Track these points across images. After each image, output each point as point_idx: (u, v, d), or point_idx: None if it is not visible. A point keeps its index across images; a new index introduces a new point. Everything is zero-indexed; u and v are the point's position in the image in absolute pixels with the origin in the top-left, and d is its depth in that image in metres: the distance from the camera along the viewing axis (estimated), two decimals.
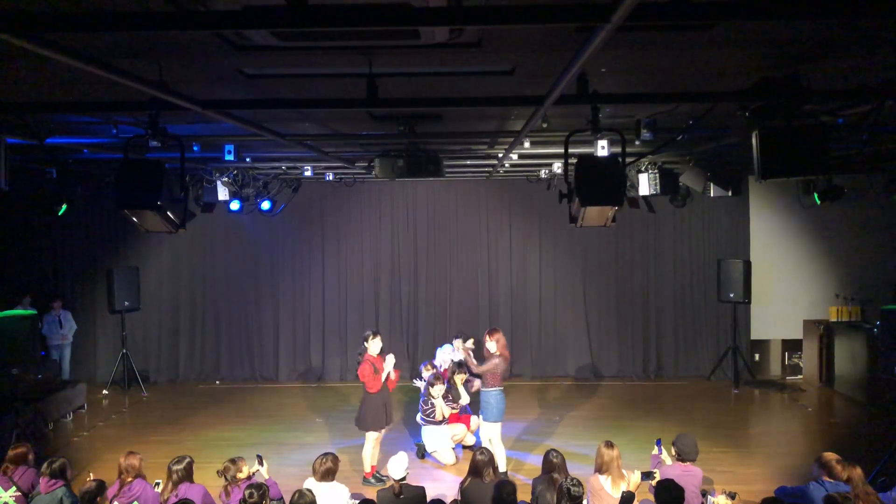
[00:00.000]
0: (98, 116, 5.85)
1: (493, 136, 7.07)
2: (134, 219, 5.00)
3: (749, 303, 11.05)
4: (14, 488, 5.60)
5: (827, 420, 9.80)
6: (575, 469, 6.02)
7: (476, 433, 8.11)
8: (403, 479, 5.66)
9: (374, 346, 7.35)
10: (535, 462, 7.52)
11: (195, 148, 7.02)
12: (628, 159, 7.43)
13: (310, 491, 5.11)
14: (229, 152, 7.10)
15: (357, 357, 7.69)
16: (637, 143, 6.27)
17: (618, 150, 5.27)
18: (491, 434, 7.22)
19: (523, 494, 5.99)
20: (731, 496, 5.32)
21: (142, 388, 11.34)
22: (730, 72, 4.65)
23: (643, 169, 8.69)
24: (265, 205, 10.52)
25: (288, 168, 9.54)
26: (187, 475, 5.51)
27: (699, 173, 8.67)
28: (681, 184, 9.02)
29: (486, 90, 5.17)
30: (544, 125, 5.75)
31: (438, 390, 7.96)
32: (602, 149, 5.69)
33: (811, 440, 8.90)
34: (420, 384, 8.41)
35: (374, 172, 7.54)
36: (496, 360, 7.16)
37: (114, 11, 3.08)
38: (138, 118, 5.39)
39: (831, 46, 4.06)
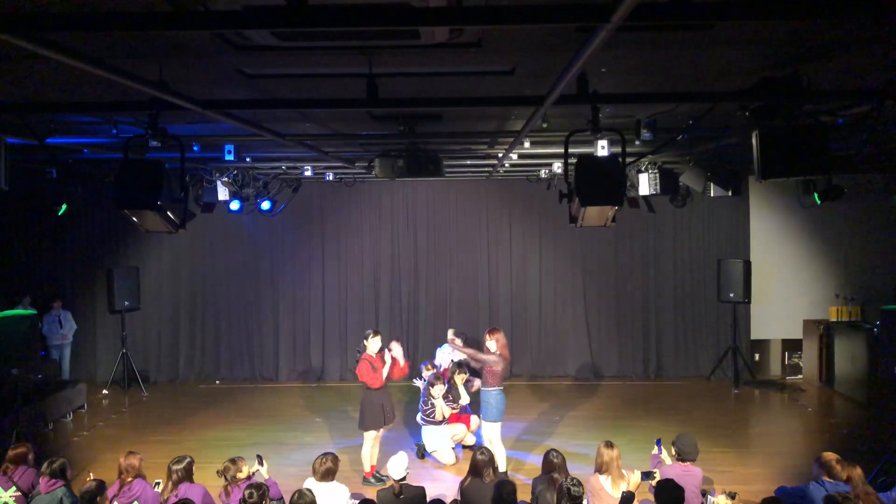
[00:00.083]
0: (98, 116, 5.85)
1: (493, 136, 7.07)
2: (134, 219, 5.00)
3: (749, 303, 11.05)
4: (14, 488, 5.60)
5: (827, 420, 9.80)
6: (575, 469, 6.02)
7: (477, 433, 8.11)
8: (403, 479, 5.66)
9: (373, 344, 7.36)
10: (535, 462, 7.52)
11: (195, 148, 7.02)
12: (628, 159, 7.42)
13: (310, 491, 5.11)
14: (229, 152, 7.10)
15: (356, 355, 7.69)
16: (637, 143, 6.27)
17: (618, 150, 5.27)
18: (491, 434, 7.22)
19: (523, 494, 5.99)
20: (731, 496, 5.32)
21: (142, 388, 11.34)
22: (730, 72, 4.64)
23: (643, 169, 8.69)
24: (265, 205, 10.52)
25: (288, 168, 9.54)
26: (187, 475, 5.52)
27: (699, 173, 8.67)
28: (681, 184, 9.02)
29: (486, 90, 5.17)
30: (544, 125, 5.75)
31: (439, 390, 7.96)
32: (602, 149, 5.68)
33: (811, 440, 8.89)
34: (420, 384, 8.41)
35: (374, 172, 7.54)
36: (494, 357, 7.15)
37: (114, 11, 3.08)
38: (138, 118, 5.39)
39: (831, 46, 4.05)
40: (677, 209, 11.04)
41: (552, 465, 5.58)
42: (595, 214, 5.11)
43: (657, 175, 8.62)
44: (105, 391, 11.26)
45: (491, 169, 9.94)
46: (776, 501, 4.97)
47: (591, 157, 5.40)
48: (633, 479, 5.45)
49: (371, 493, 5.84)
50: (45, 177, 8.20)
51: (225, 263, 12.10)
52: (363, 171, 9.53)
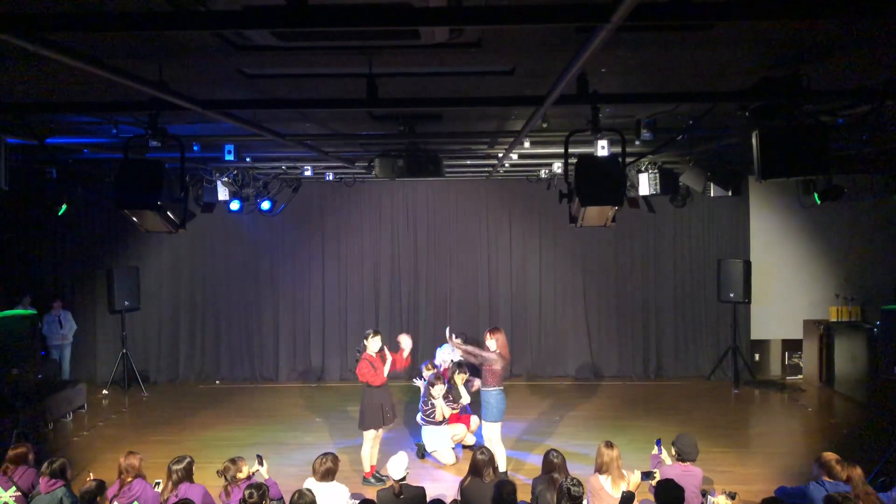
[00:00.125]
0: (98, 116, 5.85)
1: (493, 136, 7.07)
2: (134, 219, 5.00)
3: (749, 303, 11.05)
4: (14, 488, 5.60)
5: (827, 420, 9.80)
6: (575, 469, 6.02)
7: (477, 433, 8.11)
8: (403, 479, 5.66)
9: (373, 344, 7.36)
10: (535, 462, 7.52)
11: (195, 148, 7.02)
12: (628, 159, 7.42)
13: (310, 491, 5.11)
14: (229, 152, 7.10)
15: (355, 354, 7.69)
16: (637, 143, 6.27)
17: (618, 150, 5.27)
18: (491, 434, 7.22)
19: (523, 494, 5.99)
20: (731, 496, 5.32)
21: (142, 388, 11.34)
22: (730, 72, 4.64)
23: (643, 169, 8.69)
24: (265, 205, 10.52)
25: (288, 168, 9.54)
26: (187, 475, 5.52)
27: (699, 173, 8.67)
28: (681, 184, 9.02)
29: (486, 90, 5.17)
30: (544, 125, 5.75)
31: (439, 390, 7.96)
32: (602, 149, 5.68)
33: (811, 440, 8.89)
34: (420, 384, 8.41)
35: (374, 172, 7.54)
36: (494, 355, 7.14)
37: (114, 11, 3.08)
38: (138, 118, 5.39)
39: (831, 46, 4.06)
40: (677, 209, 11.05)
41: (552, 465, 5.58)
42: (595, 214, 5.11)
43: (657, 175, 8.62)
44: (105, 391, 11.26)
45: (491, 169, 9.94)
46: (776, 501, 4.97)
47: (591, 157, 5.39)
48: (633, 479, 5.45)
49: (371, 493, 5.84)
50: (45, 177, 8.19)
51: (225, 263, 12.10)
52: (363, 171, 9.53)
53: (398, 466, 5.68)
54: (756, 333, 11.83)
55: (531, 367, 12.03)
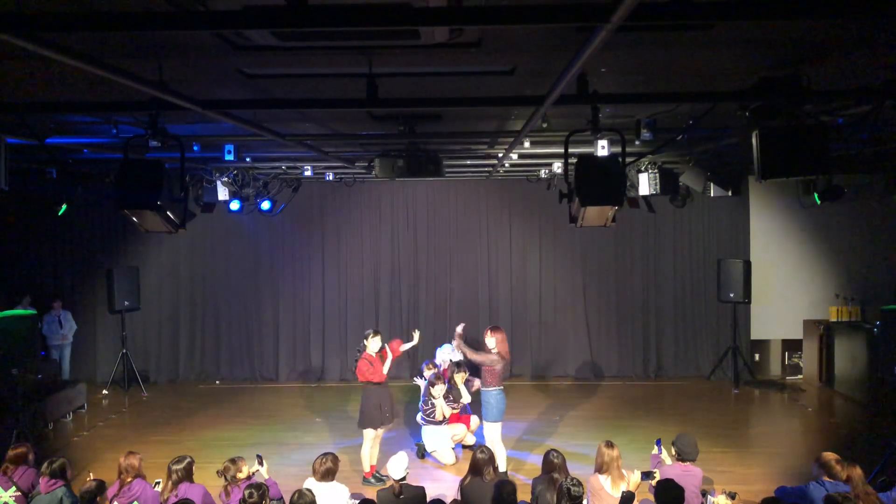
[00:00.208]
0: (98, 116, 5.85)
1: (493, 136, 7.07)
2: (134, 219, 5.00)
3: (749, 303, 11.05)
4: (14, 488, 5.60)
5: (827, 420, 9.80)
6: (575, 469, 6.02)
7: (477, 433, 8.11)
8: (403, 479, 5.66)
9: (373, 344, 7.37)
10: (535, 462, 7.52)
11: (195, 148, 7.01)
12: (628, 159, 7.42)
13: (310, 491, 5.11)
14: (229, 152, 7.10)
15: (355, 354, 7.69)
16: (637, 143, 6.27)
17: (618, 150, 5.27)
18: (491, 434, 7.21)
19: (523, 494, 5.99)
20: (731, 496, 5.32)
21: (142, 388, 11.34)
22: (730, 72, 4.64)
23: (643, 169, 8.69)
24: (265, 205, 10.52)
25: (288, 168, 9.54)
26: (187, 475, 5.52)
27: (699, 173, 8.67)
28: (681, 184, 9.02)
29: (486, 90, 5.17)
30: (544, 125, 5.75)
31: (439, 390, 7.96)
32: (602, 149, 5.68)
33: (811, 440, 8.90)
34: (420, 382, 8.41)
35: (374, 172, 7.54)
36: (493, 357, 7.14)
37: (114, 11, 3.08)
38: (138, 118, 5.39)
39: (831, 46, 4.06)
40: (677, 209, 11.05)
41: (552, 465, 5.58)
42: (595, 214, 5.11)
43: (657, 175, 8.61)
44: (105, 391, 11.26)
45: (491, 169, 9.94)
46: (776, 501, 4.97)
47: (591, 157, 5.39)
48: (633, 479, 5.45)
49: (371, 493, 5.83)
50: (45, 177, 8.19)
51: (225, 264, 12.10)
52: (363, 171, 9.53)
53: (398, 466, 5.68)
54: (756, 333, 11.83)
55: (531, 367, 12.03)
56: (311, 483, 5.59)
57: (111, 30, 3.13)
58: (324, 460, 5.65)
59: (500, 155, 8.11)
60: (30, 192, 8.76)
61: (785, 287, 11.62)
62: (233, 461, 5.63)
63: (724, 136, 6.66)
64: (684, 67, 4.61)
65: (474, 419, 8.22)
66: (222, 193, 9.42)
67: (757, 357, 11.96)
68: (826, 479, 5.28)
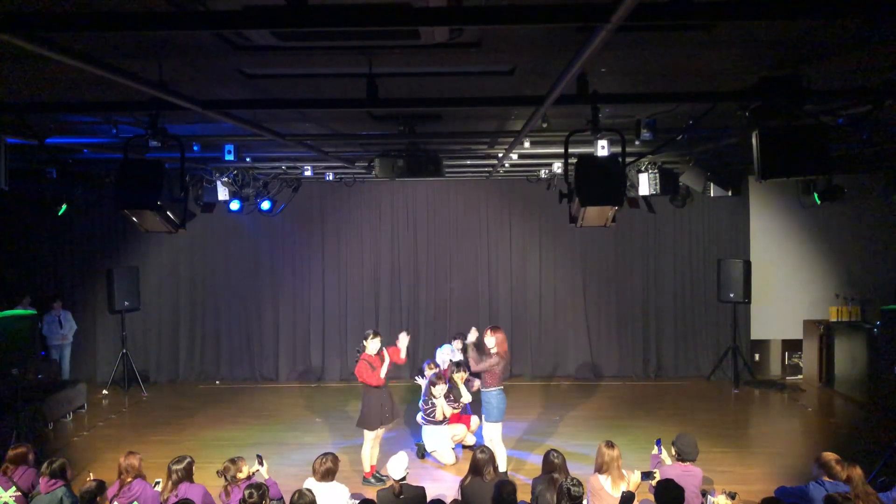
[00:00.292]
0: (98, 116, 5.85)
1: (493, 136, 7.07)
2: (134, 219, 5.00)
3: (749, 303, 11.05)
4: (14, 488, 5.60)
5: (827, 420, 9.80)
6: (575, 469, 6.02)
7: (477, 433, 8.11)
8: (403, 479, 5.66)
9: (372, 345, 7.36)
10: (535, 462, 7.52)
11: (195, 148, 7.01)
12: (628, 159, 7.42)
13: (310, 491, 5.11)
14: (229, 152, 7.10)
15: (355, 355, 7.69)
16: (637, 143, 6.27)
17: (618, 150, 5.27)
18: (492, 434, 7.21)
19: (523, 494, 5.99)
20: (731, 496, 5.32)
21: (142, 388, 11.34)
22: (730, 72, 4.64)
23: (643, 169, 8.69)
24: (265, 205, 10.52)
25: (288, 168, 9.54)
26: (187, 475, 5.52)
27: (699, 173, 8.67)
28: (681, 184, 9.02)
29: (486, 90, 5.17)
30: (544, 125, 5.75)
31: (440, 390, 7.95)
32: (602, 149, 5.68)
33: (811, 440, 8.90)
34: (422, 382, 8.41)
35: (374, 172, 7.54)
36: (494, 360, 7.14)
37: (114, 11, 3.08)
38: (138, 118, 5.38)
39: (831, 46, 4.06)
40: (677, 209, 11.04)
41: (552, 466, 5.58)
42: (595, 214, 5.10)
43: (657, 175, 8.61)
44: (105, 391, 11.26)
45: (491, 169, 9.94)
46: (776, 501, 4.97)
47: (591, 157, 5.39)
48: (633, 479, 5.45)
49: (371, 493, 5.84)
50: (45, 177, 8.19)
51: (225, 264, 12.10)
52: (363, 171, 9.53)
53: (398, 466, 5.68)
54: (756, 333, 11.83)
55: (531, 367, 12.03)
56: (311, 483, 5.59)
57: (111, 30, 3.13)
58: (324, 460, 5.65)
59: (500, 155, 8.11)
60: (30, 192, 8.77)
61: (785, 287, 11.62)
62: (233, 461, 5.63)
63: (724, 136, 6.66)
64: (684, 67, 4.61)
65: (474, 419, 8.22)
66: (222, 193, 9.41)
67: (757, 357, 11.96)
68: (826, 479, 5.28)
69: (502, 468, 7.06)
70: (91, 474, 5.58)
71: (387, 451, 7.28)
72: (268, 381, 12.03)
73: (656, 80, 5.02)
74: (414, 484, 5.84)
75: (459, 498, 5.61)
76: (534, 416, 9.83)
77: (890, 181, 9.05)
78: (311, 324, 12.14)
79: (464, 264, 12.18)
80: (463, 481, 5.71)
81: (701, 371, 11.88)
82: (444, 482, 7.33)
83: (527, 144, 6.99)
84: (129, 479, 5.47)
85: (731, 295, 10.92)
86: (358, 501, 5.71)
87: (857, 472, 5.14)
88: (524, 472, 7.59)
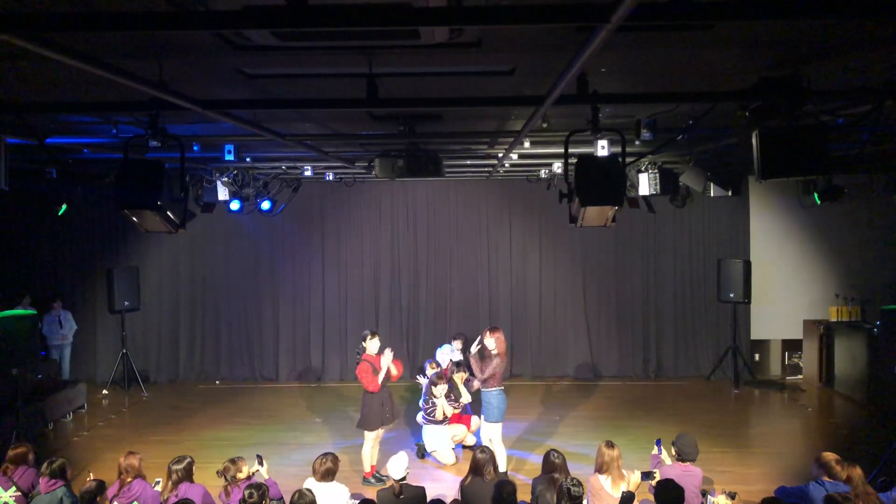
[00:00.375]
0: (98, 116, 5.85)
1: (493, 136, 7.07)
2: (134, 219, 5.00)
3: (749, 303, 11.05)
4: (14, 488, 5.60)
5: (827, 420, 9.80)
6: (575, 469, 6.02)
7: (476, 433, 8.11)
8: (403, 479, 5.66)
9: (372, 345, 7.36)
10: (535, 462, 7.52)
11: (195, 148, 7.01)
12: (628, 159, 7.42)
13: (310, 491, 5.11)
14: (229, 152, 7.10)
15: (356, 356, 7.69)
16: (637, 143, 6.26)
17: (618, 150, 5.27)
18: (492, 434, 7.21)
19: (523, 494, 5.99)
20: (731, 496, 5.32)
21: (142, 388, 11.34)
22: (730, 72, 4.64)
23: (643, 169, 8.69)
24: (265, 205, 10.52)
25: (288, 168, 9.54)
26: (187, 475, 5.52)
27: (699, 173, 8.67)
28: (681, 184, 9.02)
29: (486, 90, 5.17)
30: (544, 125, 5.75)
31: (441, 390, 7.95)
32: (602, 149, 5.68)
33: (811, 440, 8.90)
34: (423, 381, 8.41)
35: (374, 172, 7.54)
36: (496, 361, 7.14)
37: (114, 11, 3.08)
38: (138, 118, 5.39)
39: (831, 46, 4.05)
40: (677, 209, 11.05)
41: (552, 465, 5.58)
42: (595, 214, 5.11)
43: (657, 175, 8.61)
44: (105, 391, 11.26)
45: (491, 169, 9.94)
46: (776, 501, 4.97)
47: (591, 157, 5.39)
48: (633, 479, 5.46)
49: (371, 493, 5.84)
50: (45, 177, 8.19)
51: (225, 263, 12.10)
52: (363, 171, 9.53)
53: (398, 466, 5.68)
54: (756, 333, 11.83)
55: (531, 367, 12.03)
56: (311, 483, 5.59)
57: (111, 30, 3.13)
58: (324, 460, 5.65)
59: (500, 155, 8.11)
60: (30, 192, 8.77)
61: (785, 287, 11.62)
62: (233, 461, 5.63)
63: (724, 136, 6.66)
64: (684, 67, 4.61)
65: (475, 419, 8.22)
66: (222, 193, 9.41)
67: (757, 357, 11.96)
68: (826, 479, 5.28)
69: (502, 468, 7.06)
70: (91, 474, 5.58)
71: (387, 451, 7.28)
72: (268, 381, 12.03)
73: (656, 80, 5.02)
74: (414, 484, 5.84)
75: (459, 498, 5.61)
76: (534, 416, 9.83)
77: (890, 181, 9.03)
78: (311, 324, 12.14)
79: (464, 264, 12.18)
80: (463, 481, 5.72)
81: (701, 371, 11.88)
82: (444, 482, 7.33)
83: (527, 144, 6.99)
84: (129, 479, 5.47)
85: (731, 295, 10.92)
86: (358, 501, 5.71)
87: (857, 472, 5.15)
88: (524, 472, 7.59)
